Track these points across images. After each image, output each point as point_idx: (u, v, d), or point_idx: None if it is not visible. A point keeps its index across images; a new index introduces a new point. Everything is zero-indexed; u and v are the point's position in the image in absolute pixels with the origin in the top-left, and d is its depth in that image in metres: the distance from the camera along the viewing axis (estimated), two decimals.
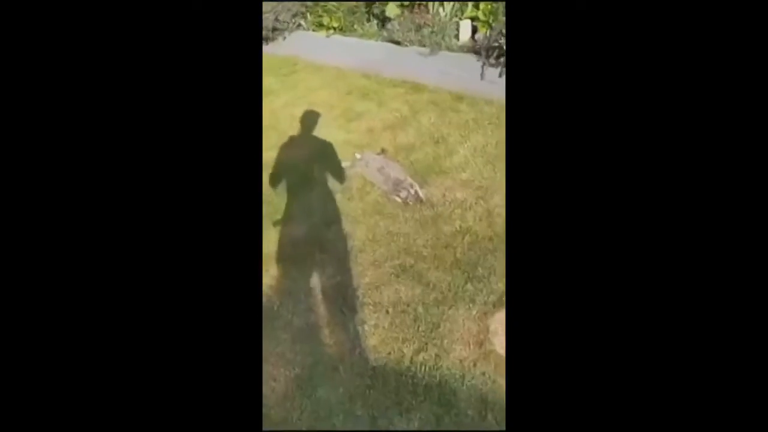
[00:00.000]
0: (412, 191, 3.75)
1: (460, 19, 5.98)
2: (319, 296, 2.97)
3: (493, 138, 4.39)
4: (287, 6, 6.70)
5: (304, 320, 2.82)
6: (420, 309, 2.82)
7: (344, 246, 3.35)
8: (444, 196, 3.80)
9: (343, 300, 2.91)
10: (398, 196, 3.76)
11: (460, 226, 3.46)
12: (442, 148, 4.35)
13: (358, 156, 4.28)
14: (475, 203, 3.67)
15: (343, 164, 4.20)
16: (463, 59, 5.62)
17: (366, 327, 2.74)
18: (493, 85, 5.15)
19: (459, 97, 5.16)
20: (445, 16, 5.97)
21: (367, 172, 4.04)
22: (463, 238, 3.34)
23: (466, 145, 4.35)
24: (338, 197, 3.85)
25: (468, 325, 2.69)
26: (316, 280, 3.08)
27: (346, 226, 3.51)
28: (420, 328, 2.71)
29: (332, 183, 3.98)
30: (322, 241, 3.39)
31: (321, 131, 4.58)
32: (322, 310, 2.89)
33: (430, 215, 3.59)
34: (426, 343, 2.60)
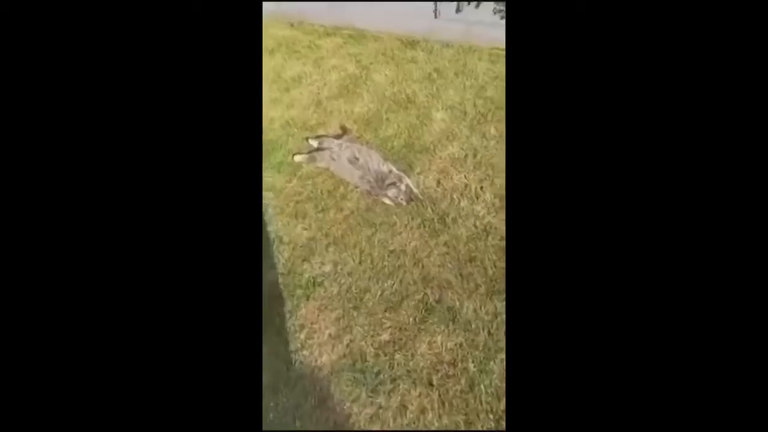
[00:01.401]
0: (403, 186, 2.70)
1: None
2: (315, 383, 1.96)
3: (469, 92, 3.37)
4: None
5: None
6: (472, 366, 1.93)
7: (337, 287, 2.30)
8: (439, 183, 2.81)
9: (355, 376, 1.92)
10: (387, 196, 2.70)
11: (477, 225, 2.53)
12: (412, 114, 3.28)
13: (313, 143, 3.08)
14: (480, 187, 2.73)
15: (296, 158, 2.98)
16: None
17: (409, 413, 1.81)
18: (451, 23, 4.00)
19: (411, 43, 3.99)
20: None
21: (335, 167, 2.90)
22: (485, 242, 2.42)
23: (440, 107, 3.30)
24: (306, 209, 2.68)
25: None
26: (307, 358, 2.05)
27: (328, 254, 2.41)
28: (483, 398, 1.83)
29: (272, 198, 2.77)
30: (292, 288, 2.29)
31: None
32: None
33: (434, 216, 2.61)
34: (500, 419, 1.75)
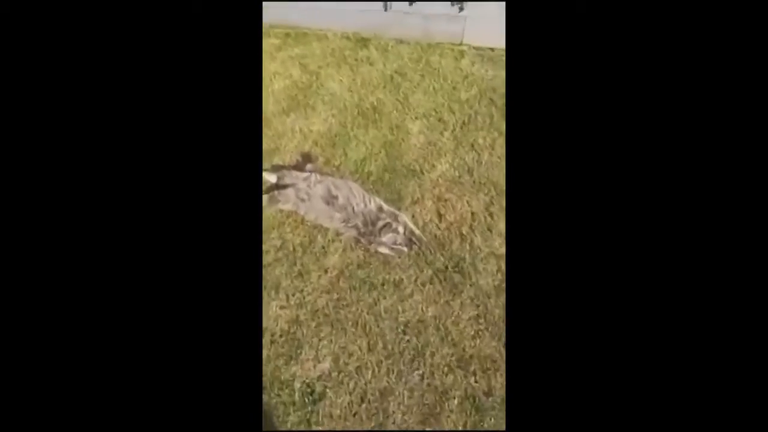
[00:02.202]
0: (401, 227, 2.02)
1: None
2: None
3: (441, 96, 2.75)
4: None
5: None
6: None
7: (345, 395, 1.59)
8: (441, 215, 2.16)
9: None
10: (382, 243, 2.00)
11: (502, 268, 1.92)
12: (384, 127, 2.59)
13: (269, 178, 2.27)
14: (490, 214, 2.14)
15: None
16: None
17: None
18: (404, 17, 3.31)
19: (361, 41, 3.24)
20: None
21: (306, 209, 2.14)
22: None
23: (413, 116, 2.64)
24: (277, 277, 1.91)
25: None
26: None
27: (321, 344, 1.69)
28: None
29: None
30: (281, 412, 1.58)
31: None
32: None
33: (448, 263, 1.97)
34: None
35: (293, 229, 2.16)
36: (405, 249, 2.03)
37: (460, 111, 2.75)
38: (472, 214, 2.21)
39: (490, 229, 2.14)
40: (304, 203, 2.17)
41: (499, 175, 2.37)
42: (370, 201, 2.13)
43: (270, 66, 3.04)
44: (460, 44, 3.20)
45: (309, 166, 2.39)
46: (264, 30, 3.23)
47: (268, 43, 3.20)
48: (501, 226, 2.15)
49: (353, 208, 2.10)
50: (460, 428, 1.52)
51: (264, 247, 2.08)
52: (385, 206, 2.14)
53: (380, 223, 2.06)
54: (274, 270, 2.00)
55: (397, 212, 2.13)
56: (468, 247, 2.07)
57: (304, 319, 1.85)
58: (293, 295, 1.91)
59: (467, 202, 2.26)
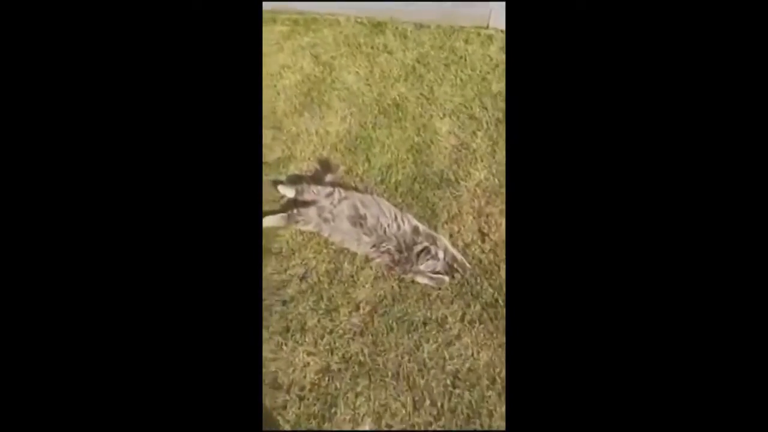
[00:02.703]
0: (441, 252, 1.70)
1: None
2: None
3: (470, 89, 2.39)
4: None
5: None
6: None
7: None
8: (483, 235, 1.84)
9: None
10: (420, 272, 1.69)
11: None
12: (409, 127, 2.24)
13: (286, 192, 1.93)
14: None
15: (266, 222, 1.83)
16: None
17: None
18: None
19: (376, 26, 2.82)
20: None
21: (331, 231, 1.81)
22: None
23: (440, 113, 2.28)
24: (302, 315, 1.60)
25: None
26: None
27: (359, 401, 1.45)
28: None
29: None
30: None
31: None
32: None
33: (497, 295, 1.66)
34: None
35: (316, 254, 1.84)
36: (446, 278, 1.72)
37: (493, 106, 2.39)
38: None
39: None
40: (327, 224, 1.84)
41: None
42: (403, 221, 1.81)
43: (278, 58, 2.65)
44: (487, 28, 2.80)
45: (329, 177, 2.05)
46: (270, 17, 2.81)
47: (275, 32, 2.79)
48: None
49: (385, 230, 1.78)
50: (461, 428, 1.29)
51: (283, 276, 1.77)
52: (422, 227, 1.81)
53: (417, 248, 1.75)
54: (297, 306, 1.70)
55: (434, 234, 1.81)
56: None
57: (336, 369, 1.55)
58: (322, 338, 1.62)
59: None
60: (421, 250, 1.75)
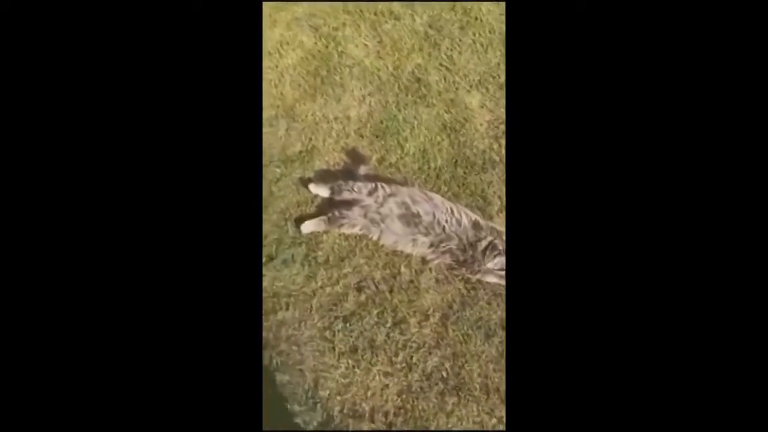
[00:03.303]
0: (500, 244, 1.54)
1: None
2: None
3: (492, 54, 2.22)
4: None
5: None
6: None
7: None
8: None
9: None
10: (489, 270, 1.53)
11: None
12: (437, 104, 2.01)
13: (320, 191, 1.70)
14: None
15: (305, 228, 1.61)
16: None
17: None
18: None
19: None
20: None
21: (382, 232, 1.61)
22: None
23: (467, 85, 2.06)
24: (368, 328, 1.45)
25: None
26: None
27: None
28: None
29: None
30: None
31: None
32: None
33: None
34: None
35: (368, 260, 1.63)
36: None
37: None
38: None
39: None
40: (376, 225, 1.62)
41: None
42: (461, 215, 1.61)
43: (273, 34, 2.28)
44: None
45: (362, 169, 1.80)
46: None
47: (266, 6, 2.39)
48: None
49: (444, 228, 1.58)
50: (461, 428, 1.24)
51: (337, 287, 1.56)
52: (482, 220, 1.62)
53: (482, 245, 1.56)
54: (361, 321, 1.50)
55: (497, 227, 1.62)
56: None
57: (419, 388, 1.39)
58: (396, 355, 1.44)
59: None
60: (486, 246, 1.56)
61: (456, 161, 1.90)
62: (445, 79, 2.15)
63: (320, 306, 1.56)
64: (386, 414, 1.38)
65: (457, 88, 2.11)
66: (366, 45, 2.24)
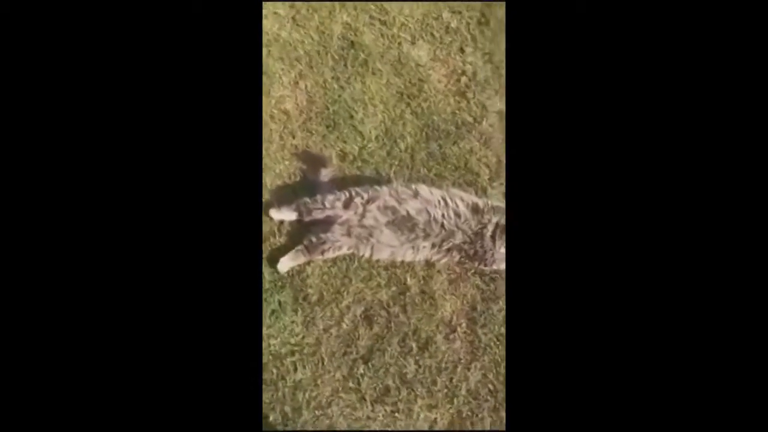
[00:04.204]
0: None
1: None
2: None
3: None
4: None
5: None
6: None
7: None
8: None
9: None
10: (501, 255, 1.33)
11: None
12: (383, 68, 1.66)
13: (288, 216, 1.36)
14: None
15: (282, 266, 1.29)
16: None
17: None
18: None
19: None
20: None
21: (373, 247, 1.35)
22: None
23: (409, 35, 1.73)
24: (394, 362, 1.26)
25: None
26: None
27: None
28: None
29: None
30: None
31: None
32: None
33: None
34: None
35: (367, 281, 1.36)
36: None
37: (468, 5, 1.79)
38: None
39: None
40: (364, 241, 1.33)
41: None
42: (457, 203, 1.35)
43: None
44: None
45: (324, 174, 1.46)
46: None
47: None
48: None
49: (442, 225, 1.32)
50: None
51: (344, 325, 1.30)
52: (480, 202, 1.37)
53: (488, 231, 1.33)
54: (383, 355, 1.27)
55: (498, 204, 1.38)
56: None
57: (470, 412, 1.21)
58: (434, 383, 1.23)
59: None
60: (494, 231, 1.33)
61: (426, 133, 1.60)
62: (382, 35, 1.75)
63: (332, 354, 1.29)
64: None
65: (399, 44, 1.73)
66: (276, 13, 1.76)
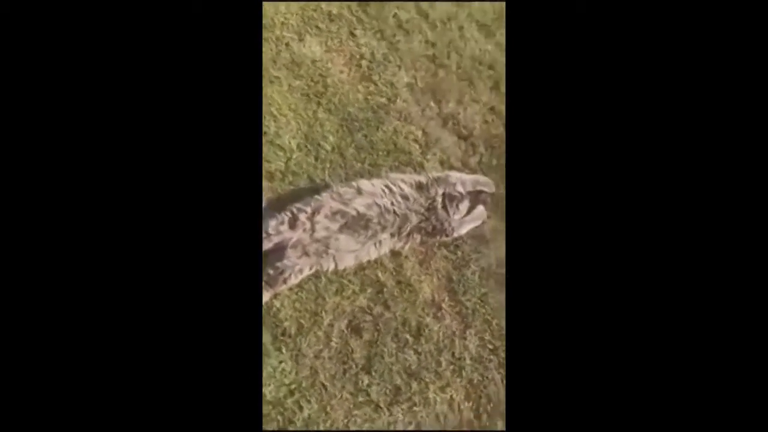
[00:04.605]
0: (460, 187, 1.39)
1: None
2: None
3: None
4: None
5: None
6: None
7: None
8: (469, 136, 1.53)
9: None
10: (461, 223, 1.37)
11: None
12: (284, 75, 1.59)
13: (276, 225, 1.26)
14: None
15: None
16: None
17: None
18: None
19: None
20: None
21: (336, 258, 1.33)
22: None
23: (295, 35, 1.67)
24: (412, 381, 1.24)
25: None
26: None
27: None
28: None
29: None
30: None
31: None
32: None
33: None
34: None
35: (341, 293, 1.31)
36: (482, 207, 1.39)
37: None
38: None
39: None
40: (323, 256, 1.28)
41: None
42: (401, 186, 1.33)
43: None
44: None
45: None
46: None
47: None
48: None
49: (395, 211, 1.30)
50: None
51: (332, 345, 1.27)
52: (423, 178, 1.37)
53: (438, 203, 1.34)
54: (382, 359, 1.24)
55: (438, 174, 1.39)
56: None
57: (481, 377, 1.24)
58: (439, 365, 1.23)
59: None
60: (443, 202, 1.34)
61: (347, 127, 1.54)
62: (266, 39, 1.63)
63: (332, 377, 1.23)
64: (475, 420, 1.21)
65: (287, 44, 1.63)
66: None
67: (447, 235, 1.35)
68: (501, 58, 1.58)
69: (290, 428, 1.16)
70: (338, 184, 1.37)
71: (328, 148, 1.48)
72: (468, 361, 1.26)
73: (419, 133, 1.52)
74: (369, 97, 1.56)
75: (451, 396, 1.24)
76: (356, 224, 1.27)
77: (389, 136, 1.51)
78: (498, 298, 1.31)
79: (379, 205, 1.29)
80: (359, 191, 1.31)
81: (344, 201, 1.29)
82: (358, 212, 1.28)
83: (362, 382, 1.24)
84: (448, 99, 1.55)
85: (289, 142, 1.48)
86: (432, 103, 1.55)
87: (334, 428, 1.18)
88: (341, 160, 1.46)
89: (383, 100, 1.56)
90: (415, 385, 1.24)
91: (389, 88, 1.58)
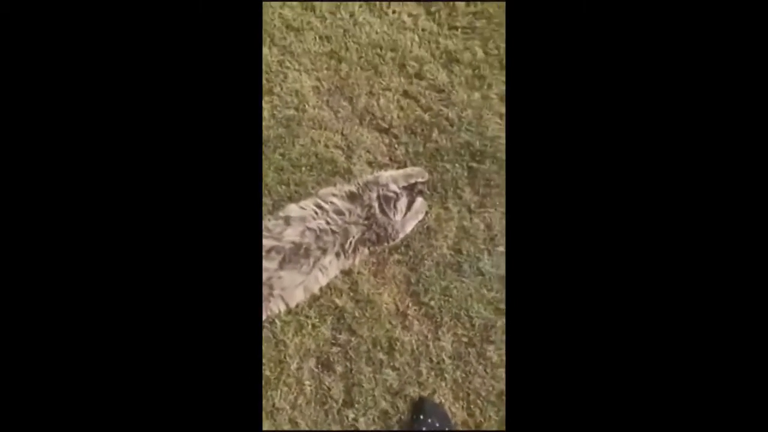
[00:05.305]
0: (393, 186, 1.30)
1: None
2: None
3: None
4: None
5: None
6: None
7: None
8: (402, 112, 1.45)
9: None
10: (405, 221, 1.29)
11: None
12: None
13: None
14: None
15: None
16: None
17: None
18: None
19: None
20: None
21: (280, 298, 1.22)
22: None
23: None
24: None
25: None
26: None
27: None
28: None
29: None
30: None
31: None
32: None
33: (493, 169, 1.40)
34: None
35: (300, 332, 1.19)
36: (420, 199, 1.30)
37: None
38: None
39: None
40: (271, 298, 1.16)
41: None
42: (333, 200, 1.22)
43: None
44: None
45: None
46: None
47: None
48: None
49: (332, 230, 1.18)
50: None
51: (306, 390, 1.16)
52: (353, 187, 1.25)
53: (374, 208, 1.23)
54: (361, 387, 1.16)
55: (368, 177, 1.28)
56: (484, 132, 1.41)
57: (465, 373, 1.18)
58: (420, 375, 1.16)
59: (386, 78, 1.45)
60: (380, 206, 1.23)
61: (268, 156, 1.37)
62: None
63: (314, 423, 1.13)
64: (470, 419, 1.15)
65: None
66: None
67: (393, 239, 1.25)
68: (400, 37, 1.46)
69: None
70: (265, 218, 1.22)
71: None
72: (447, 361, 1.19)
73: (338, 138, 1.39)
74: (275, 112, 1.40)
75: (440, 402, 1.17)
76: (295, 256, 1.15)
77: (308, 148, 1.37)
78: (460, 287, 1.24)
79: (313, 229, 1.16)
80: (287, 221, 1.18)
81: (275, 236, 1.16)
82: (294, 243, 1.15)
83: (347, 417, 1.14)
84: (359, 93, 1.41)
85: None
86: (343, 102, 1.41)
87: None
88: (263, 189, 1.31)
89: (291, 111, 1.41)
90: (401, 403, 1.16)
91: (295, 97, 1.42)
